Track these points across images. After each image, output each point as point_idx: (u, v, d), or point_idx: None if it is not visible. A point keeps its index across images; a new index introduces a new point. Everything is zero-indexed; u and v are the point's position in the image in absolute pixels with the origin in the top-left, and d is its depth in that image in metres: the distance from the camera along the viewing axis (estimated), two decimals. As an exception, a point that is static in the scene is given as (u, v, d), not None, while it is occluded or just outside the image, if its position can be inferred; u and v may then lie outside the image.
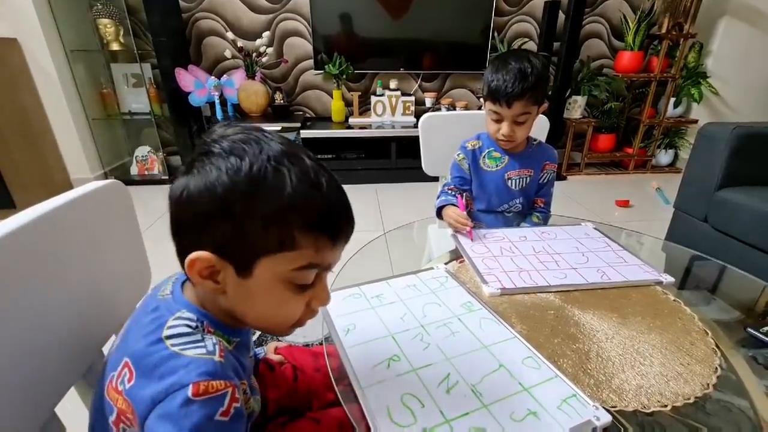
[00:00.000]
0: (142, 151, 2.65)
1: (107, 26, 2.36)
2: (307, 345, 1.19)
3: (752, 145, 1.29)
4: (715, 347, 0.54)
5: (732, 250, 1.25)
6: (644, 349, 0.53)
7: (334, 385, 0.47)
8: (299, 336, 1.24)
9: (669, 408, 0.45)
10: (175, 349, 0.35)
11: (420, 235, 1.00)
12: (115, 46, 2.42)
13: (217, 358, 0.35)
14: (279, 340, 0.70)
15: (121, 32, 2.41)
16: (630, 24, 2.63)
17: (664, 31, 2.55)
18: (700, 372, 0.50)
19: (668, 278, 0.68)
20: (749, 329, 0.56)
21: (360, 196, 2.42)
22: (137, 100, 2.60)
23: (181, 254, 0.37)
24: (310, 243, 0.36)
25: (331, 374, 0.48)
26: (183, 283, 0.43)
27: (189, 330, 0.37)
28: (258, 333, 1.20)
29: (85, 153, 2.48)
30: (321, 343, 0.53)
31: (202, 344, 0.36)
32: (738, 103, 2.80)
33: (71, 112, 2.36)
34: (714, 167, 1.33)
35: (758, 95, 2.78)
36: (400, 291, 0.64)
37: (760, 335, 0.55)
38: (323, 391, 0.59)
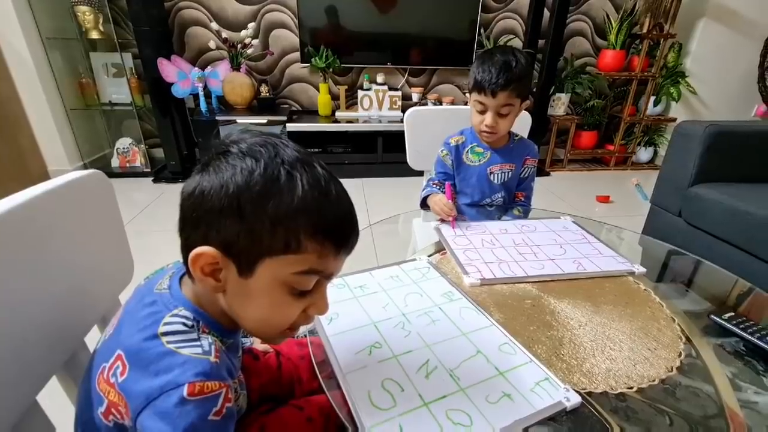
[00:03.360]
0: (123, 143, 2.59)
1: (86, 14, 2.29)
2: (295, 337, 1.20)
3: (724, 143, 1.35)
4: (680, 333, 0.57)
5: (703, 244, 1.31)
6: (614, 335, 0.56)
7: (317, 373, 0.48)
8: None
9: (635, 389, 0.47)
10: (171, 346, 0.35)
11: (405, 229, 1.02)
12: (94, 35, 2.35)
13: (212, 359, 0.36)
14: None
15: (101, 20, 2.34)
16: (613, 23, 2.68)
17: (645, 31, 2.61)
18: (665, 356, 0.53)
19: (640, 268, 0.71)
20: (712, 316, 0.60)
21: (346, 190, 2.41)
22: (118, 91, 2.54)
23: (186, 250, 0.37)
24: (314, 248, 0.37)
25: (314, 362, 0.50)
26: (181, 278, 0.43)
27: (185, 328, 0.37)
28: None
29: (63, 144, 2.41)
30: (306, 336, 0.54)
31: (198, 344, 0.36)
32: (714, 102, 2.89)
33: (48, 101, 2.29)
34: (688, 164, 1.38)
35: (734, 94, 2.88)
36: (383, 281, 0.66)
37: (722, 322, 0.58)
38: (307, 380, 0.60)
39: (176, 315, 0.38)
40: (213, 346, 0.37)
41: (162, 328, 0.37)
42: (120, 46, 2.31)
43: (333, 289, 0.63)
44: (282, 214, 0.35)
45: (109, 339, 0.40)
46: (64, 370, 0.48)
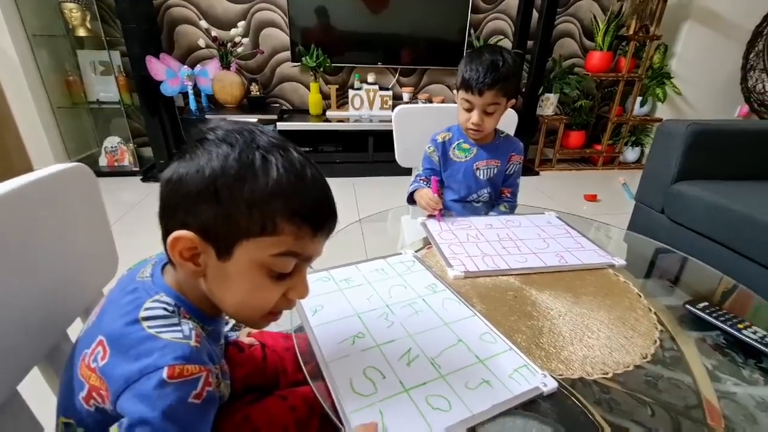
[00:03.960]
0: (111, 141, 2.56)
1: (73, 11, 2.26)
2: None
3: (706, 141, 1.38)
4: (656, 323, 0.59)
5: (685, 240, 1.33)
6: (593, 324, 0.57)
7: (301, 363, 0.49)
8: (273, 326, 1.24)
9: (610, 375, 0.49)
10: (152, 331, 0.36)
11: (394, 226, 1.02)
12: (81, 32, 2.33)
13: (192, 343, 0.36)
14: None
15: (88, 18, 2.32)
16: (600, 25, 2.72)
17: (631, 32, 2.66)
18: (641, 344, 0.54)
19: (620, 261, 0.73)
20: (687, 306, 0.61)
21: (337, 189, 2.37)
22: (106, 89, 2.51)
23: (167, 236, 0.38)
24: (291, 230, 0.37)
25: (297, 352, 0.50)
26: (163, 267, 0.43)
27: (166, 313, 0.38)
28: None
29: (50, 142, 2.38)
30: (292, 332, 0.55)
31: (178, 328, 0.37)
32: (699, 103, 2.95)
33: (34, 99, 2.26)
34: (671, 162, 1.41)
35: (718, 95, 2.94)
36: (368, 274, 0.66)
37: (696, 311, 0.60)
38: (292, 371, 0.61)
39: (157, 300, 0.39)
40: (194, 331, 0.37)
41: (143, 313, 0.37)
42: (108, 43, 2.29)
43: (318, 282, 0.63)
44: (257, 198, 0.36)
45: (91, 327, 0.41)
46: (46, 361, 0.48)
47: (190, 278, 0.40)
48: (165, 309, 0.38)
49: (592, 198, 2.43)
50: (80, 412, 0.38)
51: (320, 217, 0.40)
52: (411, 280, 0.65)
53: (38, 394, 0.48)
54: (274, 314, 0.43)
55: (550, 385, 0.45)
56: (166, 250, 0.38)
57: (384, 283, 0.64)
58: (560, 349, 0.52)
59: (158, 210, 0.39)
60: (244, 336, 0.65)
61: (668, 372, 0.50)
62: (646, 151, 3.09)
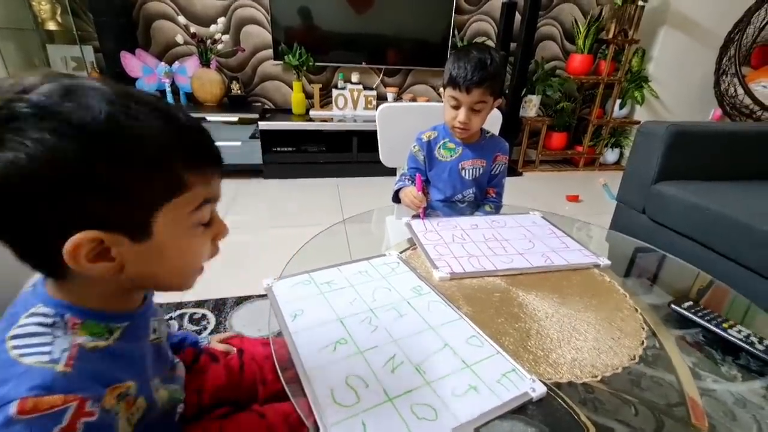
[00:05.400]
0: (84, 140, 2.46)
1: (41, 3, 2.16)
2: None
3: (684, 142, 1.40)
4: (643, 323, 0.58)
5: (666, 239, 1.36)
6: (580, 326, 0.56)
7: (279, 374, 0.46)
8: (254, 329, 1.20)
9: (599, 378, 0.48)
10: (15, 353, 0.31)
11: (379, 227, 1.00)
12: (51, 26, 2.23)
13: (60, 367, 0.31)
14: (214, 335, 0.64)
15: (59, 11, 2.22)
16: (581, 28, 2.77)
17: (611, 36, 2.71)
18: (628, 345, 0.53)
19: (605, 261, 0.73)
20: (672, 305, 0.61)
21: (321, 190, 2.39)
22: (78, 86, 2.41)
23: (41, 251, 0.32)
24: (198, 178, 0.35)
25: (275, 362, 0.47)
26: None
27: (38, 330, 0.33)
28: (199, 323, 1.16)
29: (18, 141, 2.27)
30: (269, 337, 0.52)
31: (47, 348, 0.31)
32: (675, 106, 3.03)
33: (0, 95, 2.15)
34: (651, 162, 1.43)
35: (693, 99, 3.03)
36: (351, 277, 0.64)
37: (682, 310, 0.60)
38: (272, 380, 0.58)
39: (33, 314, 0.34)
40: (67, 352, 0.32)
41: (13, 331, 0.32)
42: (80, 38, 2.20)
43: (298, 285, 0.61)
44: (147, 161, 0.31)
45: None
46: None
47: (105, 279, 0.34)
48: (39, 324, 0.33)
49: (573, 198, 2.47)
50: None
51: (214, 151, 0.37)
52: (395, 282, 0.63)
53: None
54: (202, 269, 0.42)
55: (538, 390, 0.44)
56: (45, 265, 0.33)
57: (367, 286, 0.61)
58: (548, 352, 0.51)
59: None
60: (216, 343, 0.62)
61: (650, 370, 0.50)
62: (625, 152, 3.16)
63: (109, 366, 0.35)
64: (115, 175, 0.30)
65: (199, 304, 1.30)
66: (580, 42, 2.78)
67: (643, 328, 0.57)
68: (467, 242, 0.78)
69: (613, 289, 0.66)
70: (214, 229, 0.40)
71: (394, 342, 0.50)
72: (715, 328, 0.56)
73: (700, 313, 0.58)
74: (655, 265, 0.85)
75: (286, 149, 2.50)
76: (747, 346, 0.53)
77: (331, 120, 2.57)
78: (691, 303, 0.61)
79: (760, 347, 0.52)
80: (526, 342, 0.53)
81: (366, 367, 0.46)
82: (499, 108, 1.03)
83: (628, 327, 0.57)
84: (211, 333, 1.18)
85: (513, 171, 2.86)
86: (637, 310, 0.61)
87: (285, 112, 2.68)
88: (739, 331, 0.55)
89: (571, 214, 2.28)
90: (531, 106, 2.87)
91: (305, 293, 0.59)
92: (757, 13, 2.61)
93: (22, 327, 0.33)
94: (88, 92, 0.30)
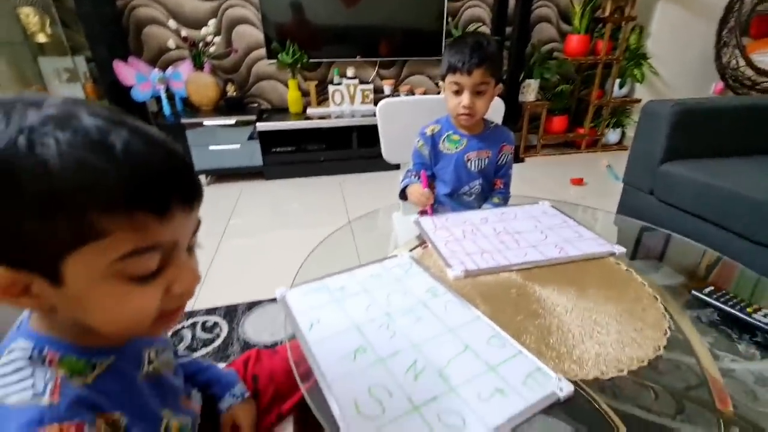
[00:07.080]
0: (82, 152, 2.45)
1: (29, 15, 2.14)
2: (275, 344, 1.16)
3: (689, 120, 1.38)
4: (664, 311, 0.57)
5: (675, 220, 1.34)
6: (601, 318, 0.55)
7: (301, 387, 0.45)
8: (265, 335, 1.20)
9: (625, 372, 0.47)
10: None
11: (385, 224, 0.99)
12: (41, 38, 2.20)
13: (46, 400, 0.29)
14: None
15: (48, 22, 2.19)
16: (576, 8, 2.72)
17: (607, 14, 2.66)
18: (651, 336, 0.52)
19: (620, 249, 0.71)
20: (694, 292, 0.60)
21: (324, 189, 2.38)
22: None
23: None
24: (121, 225, 0.28)
25: (295, 371, 0.47)
26: None
27: (18, 366, 0.31)
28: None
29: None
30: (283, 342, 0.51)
31: (29, 383, 0.30)
32: (675, 82, 2.99)
33: (-5, 112, 2.14)
34: (657, 142, 1.41)
35: (693, 73, 2.98)
36: (364, 281, 0.63)
37: (703, 296, 0.58)
38: (292, 392, 0.57)
39: (12, 351, 0.32)
40: (51, 383, 0.30)
41: None
42: (71, 49, 2.17)
43: (312, 294, 0.60)
44: (46, 202, 0.26)
45: None
46: None
47: (44, 315, 0.32)
48: (19, 359, 0.31)
49: (578, 182, 2.44)
50: None
51: (155, 194, 0.29)
52: (410, 284, 0.62)
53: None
54: (167, 317, 0.34)
55: (566, 389, 0.43)
56: None
57: (382, 290, 0.60)
58: (571, 348, 0.50)
59: None
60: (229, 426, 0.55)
61: (666, 353, 0.50)
62: (627, 132, 3.12)
63: (97, 397, 0.33)
64: (5, 214, 0.26)
65: (210, 311, 1.29)
66: (577, 22, 2.73)
67: (665, 317, 0.56)
68: (478, 237, 0.77)
69: (631, 278, 0.65)
70: (170, 276, 0.32)
71: (414, 347, 0.49)
72: (739, 314, 0.54)
73: (722, 299, 0.57)
74: (667, 248, 0.84)
75: (285, 149, 2.48)
76: (774, 330, 0.52)
77: (329, 117, 2.54)
78: (712, 288, 0.60)
79: (787, 330, 0.51)
80: (547, 339, 0.52)
81: (388, 375, 0.45)
82: (500, 95, 1.01)
83: (650, 317, 0.56)
84: (225, 343, 1.18)
85: (515, 157, 2.81)
86: (657, 298, 0.60)
87: (282, 111, 2.66)
88: (765, 315, 0.54)
89: (577, 197, 2.26)
90: (530, 91, 2.83)
91: (319, 301, 0.58)
92: (756, -18, 2.55)
93: (1, 366, 0.31)
94: (14, 115, 0.26)
